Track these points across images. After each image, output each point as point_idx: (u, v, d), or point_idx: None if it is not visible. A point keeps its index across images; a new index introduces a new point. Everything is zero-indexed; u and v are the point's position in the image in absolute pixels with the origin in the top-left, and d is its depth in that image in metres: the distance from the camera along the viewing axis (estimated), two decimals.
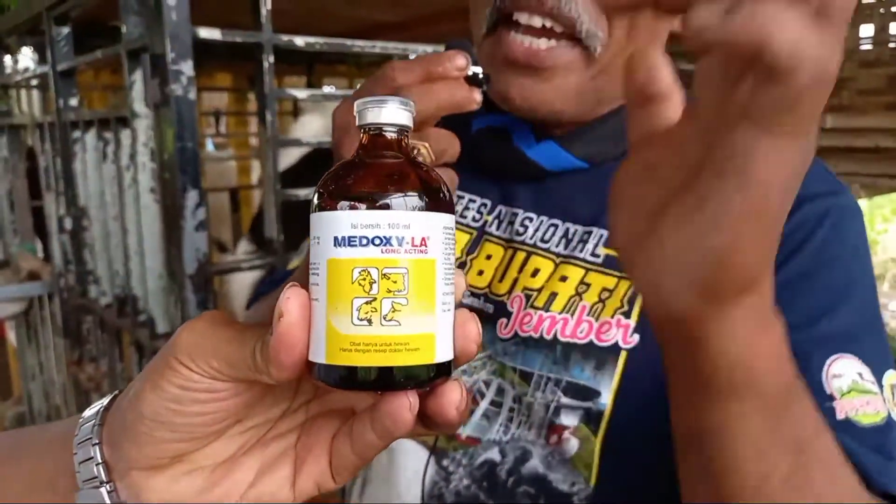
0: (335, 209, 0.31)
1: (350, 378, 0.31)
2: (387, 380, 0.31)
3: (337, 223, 0.31)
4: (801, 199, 0.56)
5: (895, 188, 3.31)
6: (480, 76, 0.50)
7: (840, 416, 0.49)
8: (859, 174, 3.11)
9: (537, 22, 0.55)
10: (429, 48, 1.45)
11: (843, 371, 0.50)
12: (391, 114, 0.33)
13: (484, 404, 0.62)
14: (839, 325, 0.53)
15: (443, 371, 0.32)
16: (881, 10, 3.20)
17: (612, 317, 0.58)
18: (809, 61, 0.26)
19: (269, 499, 0.36)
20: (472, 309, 0.64)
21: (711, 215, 0.30)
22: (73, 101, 1.67)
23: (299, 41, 1.27)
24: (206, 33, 1.18)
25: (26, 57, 2.63)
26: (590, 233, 0.62)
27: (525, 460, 0.60)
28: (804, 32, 0.26)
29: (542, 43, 0.55)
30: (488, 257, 0.66)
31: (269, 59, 1.24)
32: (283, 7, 1.30)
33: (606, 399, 0.57)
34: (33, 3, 1.78)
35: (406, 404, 0.32)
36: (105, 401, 0.38)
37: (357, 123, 0.34)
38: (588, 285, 0.60)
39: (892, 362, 0.53)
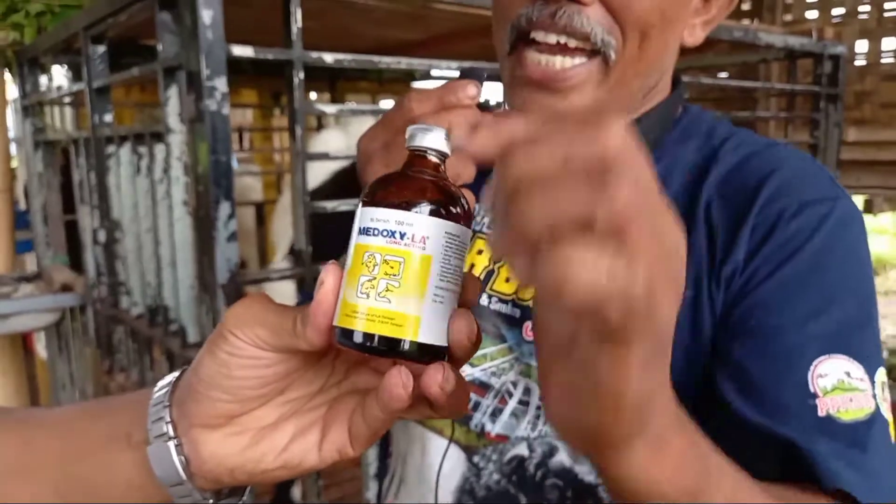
0: (365, 206, 0.40)
1: (346, 337, 0.38)
2: (372, 344, 0.38)
3: (363, 216, 0.39)
4: (803, 204, 0.59)
5: None
6: (491, 104, 0.53)
7: (821, 413, 0.52)
8: (883, 187, 3.10)
9: (552, 39, 0.58)
10: (452, 64, 1.48)
11: (830, 371, 0.53)
12: (429, 140, 0.41)
13: (512, 403, 0.65)
14: (830, 325, 0.55)
15: (427, 351, 0.38)
16: None
17: None
18: (612, 299, 0.28)
19: (298, 460, 0.42)
20: (500, 314, 0.67)
21: (578, 400, 0.35)
22: (108, 118, 1.73)
23: (328, 58, 1.30)
24: (240, 51, 1.22)
25: (59, 75, 2.71)
26: None
27: (552, 455, 0.63)
28: (600, 274, 0.27)
29: (559, 62, 0.59)
30: None
31: (299, 76, 1.27)
32: (309, 26, 1.35)
33: None
34: (70, 23, 1.85)
35: (399, 382, 0.38)
36: (177, 373, 0.44)
37: (406, 145, 0.41)
38: None
39: (883, 360, 0.56)
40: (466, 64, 1.35)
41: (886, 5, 3.20)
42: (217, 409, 0.41)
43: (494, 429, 0.66)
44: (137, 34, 2.31)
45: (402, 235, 0.38)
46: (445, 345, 0.39)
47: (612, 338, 0.30)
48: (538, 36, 0.58)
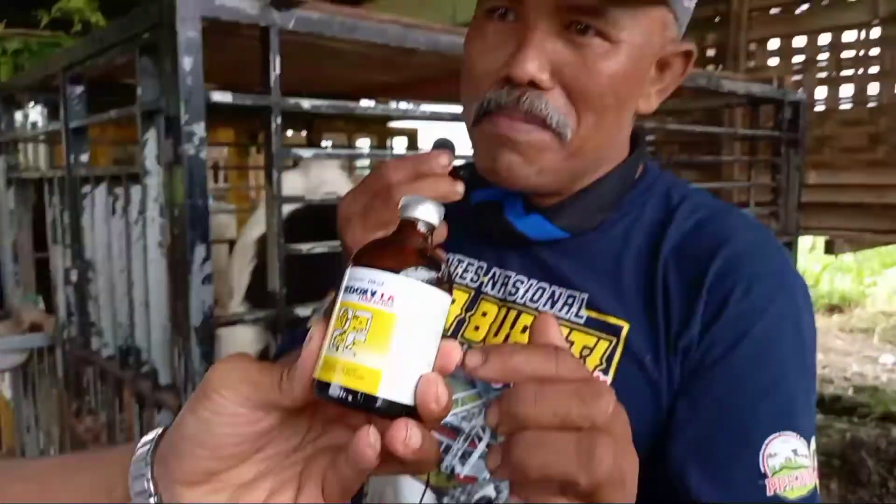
0: (351, 266, 0.42)
1: (318, 389, 0.40)
2: (338, 395, 0.39)
3: (347, 276, 0.42)
4: (752, 280, 0.62)
5: (879, 243, 3.39)
6: (462, 171, 0.57)
7: (769, 492, 0.56)
8: (844, 229, 3.20)
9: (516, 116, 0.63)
10: (426, 108, 1.52)
11: (779, 450, 0.57)
12: (419, 211, 0.44)
13: (481, 446, 0.68)
14: (779, 402, 0.59)
15: (392, 407, 0.40)
16: (860, 72, 3.34)
17: (592, 372, 0.63)
18: (574, 486, 0.39)
19: None
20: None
21: None
22: (84, 157, 1.73)
23: (305, 104, 1.34)
24: (219, 97, 1.24)
25: (34, 112, 2.71)
26: (574, 296, 0.68)
27: None
28: (566, 467, 0.38)
29: (520, 127, 0.63)
30: (484, 314, 0.72)
31: (276, 121, 1.30)
32: (287, 68, 1.38)
33: None
34: (50, 63, 1.86)
35: (367, 441, 0.39)
36: (159, 430, 0.45)
37: (399, 214, 0.44)
38: (571, 343, 0.66)
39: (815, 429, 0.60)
40: (441, 107, 1.39)
41: (843, 54, 3.35)
42: (198, 466, 0.42)
43: (464, 470, 0.68)
44: (116, 74, 2.32)
45: (373, 294, 0.40)
46: (412, 404, 0.40)
47: None
48: (502, 122, 0.63)
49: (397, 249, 0.42)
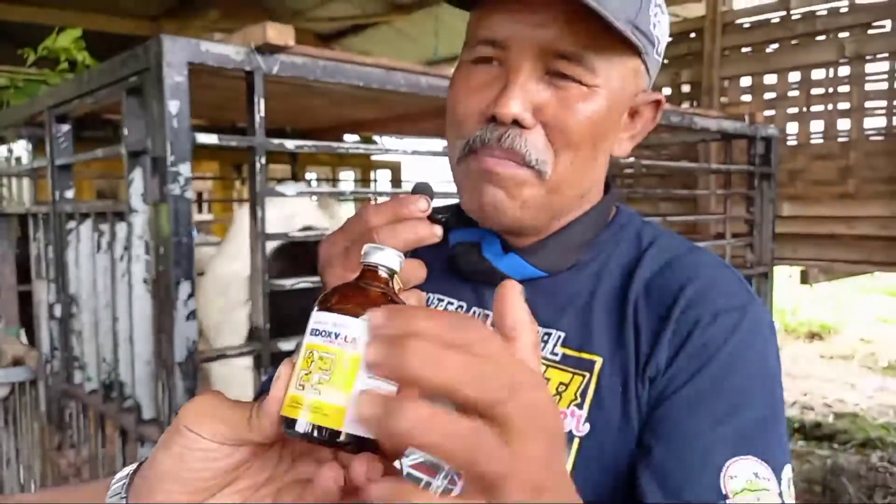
0: (316, 311, 0.45)
1: (286, 425, 0.43)
2: (304, 431, 0.42)
3: (312, 319, 0.45)
4: (716, 313, 0.66)
5: (852, 273, 3.47)
6: (441, 216, 0.60)
7: None
8: (818, 259, 3.27)
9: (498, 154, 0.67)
10: (407, 145, 1.57)
11: (739, 472, 0.59)
12: (380, 257, 0.47)
13: (461, 484, 0.69)
14: (741, 427, 0.61)
15: (353, 442, 0.42)
16: (829, 108, 3.44)
17: (567, 408, 0.66)
18: (495, 472, 0.36)
19: None
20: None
21: None
22: (69, 194, 1.76)
23: (290, 144, 1.38)
24: (205, 138, 1.28)
25: (19, 146, 2.73)
26: (549, 334, 0.71)
27: None
28: (487, 457, 0.36)
29: (503, 163, 0.67)
30: None
31: (261, 160, 1.34)
32: (272, 106, 1.42)
33: None
34: (36, 102, 1.90)
35: (331, 475, 0.42)
36: (134, 465, 0.48)
37: (360, 260, 0.47)
38: (548, 380, 0.68)
39: (790, 457, 0.62)
40: (421, 142, 1.44)
41: (813, 91, 3.46)
42: (172, 500, 0.44)
43: None
44: (98, 109, 2.36)
45: (336, 336, 0.43)
46: (371, 437, 0.42)
47: (493, 493, 0.37)
48: (485, 159, 0.67)
49: (360, 294, 0.45)
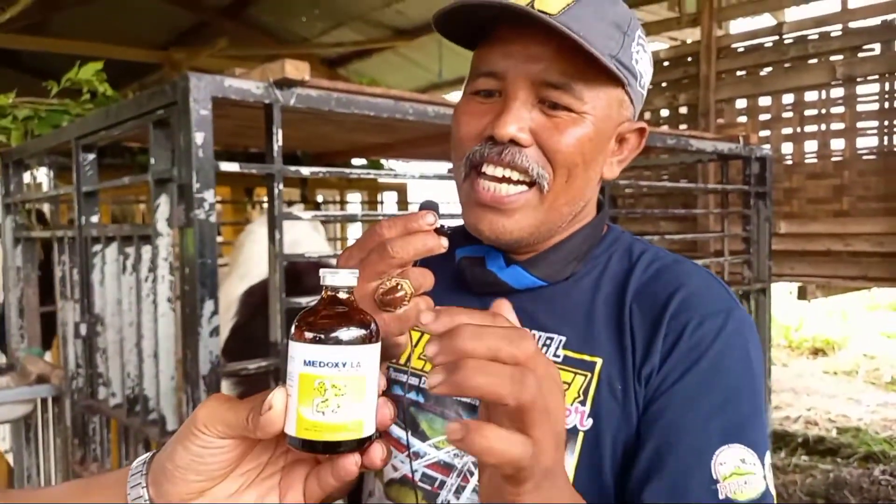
0: (304, 341, 0.51)
1: (311, 447, 0.51)
2: (332, 448, 0.51)
3: (305, 351, 0.51)
4: (703, 317, 0.74)
5: (849, 289, 3.54)
6: (446, 229, 0.68)
7: (721, 496, 0.65)
8: (814, 276, 3.34)
9: (499, 173, 0.75)
10: (414, 170, 1.66)
11: (728, 459, 0.66)
12: (340, 279, 0.54)
13: (473, 481, 0.77)
14: (729, 419, 0.69)
15: (369, 439, 0.52)
16: (822, 128, 3.53)
17: (571, 405, 0.74)
18: (517, 462, 0.48)
19: None
20: (461, 402, 0.81)
21: None
22: (94, 219, 1.86)
23: (305, 171, 1.47)
24: (227, 166, 1.38)
25: (41, 173, 2.84)
26: (552, 338, 0.79)
27: None
28: (509, 447, 0.47)
29: (503, 189, 0.75)
30: None
31: (279, 187, 1.44)
32: (287, 133, 1.52)
33: (569, 473, 0.72)
34: (63, 132, 2.00)
35: (353, 461, 0.52)
36: (147, 456, 0.57)
37: (322, 283, 0.54)
38: None
39: (769, 444, 0.70)
40: (428, 166, 1.52)
41: (806, 112, 3.56)
42: (192, 487, 0.53)
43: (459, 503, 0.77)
44: (124, 139, 2.46)
45: (345, 364, 0.50)
46: (376, 430, 0.53)
47: (513, 481, 0.49)
48: (488, 169, 0.75)
49: (349, 323, 0.52)
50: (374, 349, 0.53)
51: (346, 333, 0.51)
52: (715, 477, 0.65)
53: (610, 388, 0.73)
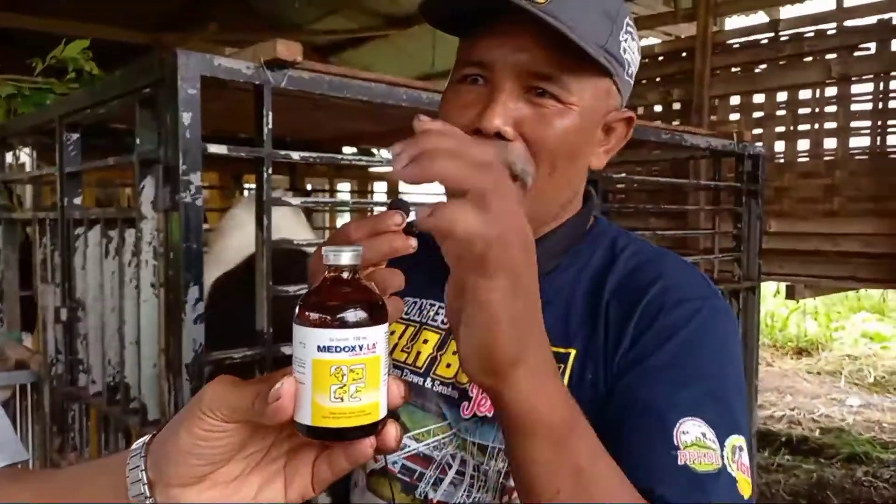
0: (316, 326, 0.48)
1: (330, 434, 0.49)
2: (351, 434, 0.49)
3: (318, 336, 0.48)
4: (680, 300, 0.73)
5: (838, 289, 3.55)
6: (415, 229, 0.66)
7: (680, 462, 0.64)
8: (803, 275, 3.35)
9: None
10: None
11: (690, 430, 0.66)
12: (346, 258, 0.51)
13: (451, 474, 0.76)
14: (695, 395, 0.68)
15: (384, 421, 0.50)
16: (815, 127, 3.53)
17: None
18: (478, 237, 0.47)
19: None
20: (441, 395, 0.79)
21: (472, 325, 0.51)
22: (77, 200, 1.81)
23: (295, 156, 1.43)
24: (215, 148, 1.34)
25: (24, 153, 2.77)
26: None
27: None
28: (471, 220, 0.47)
29: None
30: (454, 353, 0.80)
31: (268, 171, 1.40)
32: (278, 119, 1.48)
33: None
34: (47, 111, 1.95)
35: (368, 443, 0.50)
36: (146, 438, 0.54)
37: (325, 263, 0.51)
38: None
39: (740, 429, 0.68)
40: None
41: (800, 110, 3.56)
42: (194, 471, 0.50)
43: (436, 496, 0.76)
44: (108, 120, 2.41)
45: (361, 347, 0.48)
46: (386, 411, 0.51)
47: (481, 268, 0.48)
48: None
49: (360, 303, 0.49)
50: (386, 328, 0.50)
51: (360, 315, 0.48)
52: (676, 443, 0.65)
53: (581, 378, 0.73)
